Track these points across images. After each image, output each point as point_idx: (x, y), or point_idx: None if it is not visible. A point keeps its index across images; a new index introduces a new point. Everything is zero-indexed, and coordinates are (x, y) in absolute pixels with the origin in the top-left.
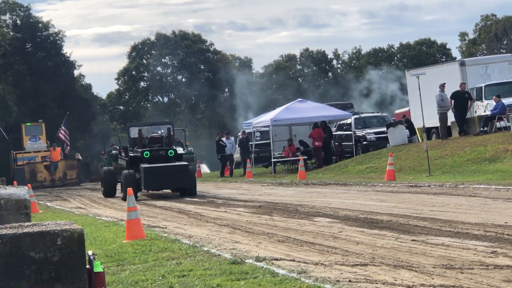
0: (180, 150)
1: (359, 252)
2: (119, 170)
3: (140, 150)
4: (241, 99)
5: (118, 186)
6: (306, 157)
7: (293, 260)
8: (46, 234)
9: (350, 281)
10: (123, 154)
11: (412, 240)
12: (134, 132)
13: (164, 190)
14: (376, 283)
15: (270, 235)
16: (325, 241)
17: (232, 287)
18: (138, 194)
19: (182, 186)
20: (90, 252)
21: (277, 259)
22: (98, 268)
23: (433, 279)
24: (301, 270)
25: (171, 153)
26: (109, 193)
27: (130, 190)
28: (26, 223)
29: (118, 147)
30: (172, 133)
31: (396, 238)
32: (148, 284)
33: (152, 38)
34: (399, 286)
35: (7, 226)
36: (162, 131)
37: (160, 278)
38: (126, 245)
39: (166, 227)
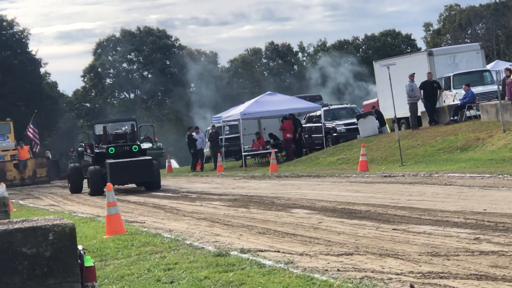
0: (144, 146)
1: (342, 242)
2: (86, 167)
3: (105, 146)
4: (207, 94)
5: (85, 183)
6: (277, 150)
7: (278, 251)
8: (37, 229)
9: (338, 270)
10: (88, 151)
11: (393, 229)
12: (99, 129)
13: (129, 185)
14: (365, 272)
15: (249, 227)
16: (306, 232)
17: (221, 279)
18: (104, 190)
19: (147, 180)
20: (80, 247)
21: (261, 251)
22: (88, 262)
23: (420, 266)
24: (287, 260)
25: (135, 148)
26: (75, 189)
27: (109, 185)
28: (15, 219)
29: (84, 144)
30: (136, 129)
31: (377, 227)
32: (134, 278)
33: (117, 34)
34: (388, 274)
35: None
36: (126, 127)
37: (146, 271)
38: (107, 240)
39: (144, 222)
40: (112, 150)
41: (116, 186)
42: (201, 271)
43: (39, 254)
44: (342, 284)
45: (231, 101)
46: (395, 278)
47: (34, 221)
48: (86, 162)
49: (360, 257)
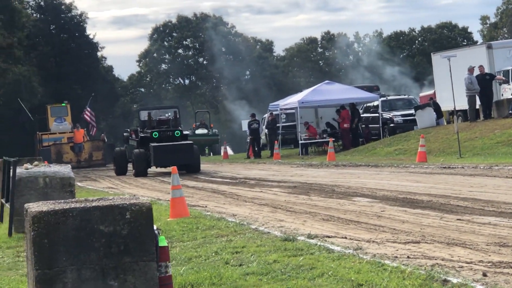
0: (199, 131)
1: (408, 231)
2: (130, 151)
3: (150, 131)
4: (263, 81)
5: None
6: (334, 139)
7: (345, 238)
8: (115, 208)
9: (408, 257)
10: (133, 136)
11: (458, 220)
12: (144, 115)
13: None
14: (435, 259)
15: (312, 214)
16: (370, 220)
17: (290, 263)
18: (147, 171)
19: (187, 163)
20: (155, 227)
21: (328, 237)
22: (163, 242)
23: (490, 256)
24: (356, 246)
25: (177, 133)
26: (120, 171)
27: (174, 168)
28: (91, 198)
29: (129, 130)
30: (178, 116)
31: (440, 217)
32: (202, 260)
33: (174, 20)
34: (458, 262)
35: (74, 201)
36: (169, 114)
37: (213, 254)
38: (172, 223)
39: (206, 206)
40: (156, 135)
41: (158, 168)
42: (270, 255)
43: (116, 232)
44: (414, 271)
45: (286, 90)
46: (466, 266)
47: (111, 199)
48: (130, 146)
49: (427, 245)
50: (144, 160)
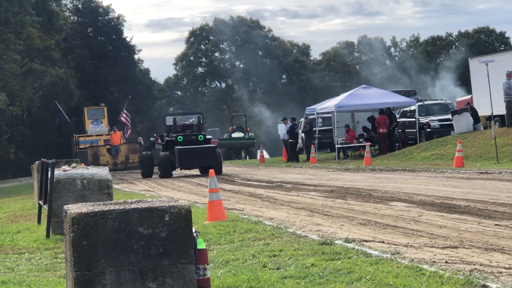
0: (236, 135)
1: (445, 235)
2: (156, 155)
3: (175, 135)
4: (299, 85)
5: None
6: (370, 143)
7: (382, 242)
8: (154, 210)
9: (446, 262)
10: (159, 140)
11: (496, 225)
12: (169, 120)
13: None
14: (473, 264)
15: (350, 218)
16: (407, 225)
17: (328, 267)
18: (172, 173)
19: (210, 165)
20: (193, 229)
21: (366, 241)
22: (201, 245)
23: None
24: (394, 251)
25: (200, 137)
26: (147, 174)
27: (212, 171)
28: (130, 200)
29: (155, 135)
30: (201, 121)
31: (478, 222)
32: (239, 263)
33: (210, 23)
34: (496, 267)
35: (113, 203)
36: (193, 119)
37: (250, 257)
38: (209, 226)
39: (243, 210)
40: (180, 138)
41: (182, 170)
42: (307, 259)
43: (155, 235)
44: (453, 276)
45: (322, 94)
46: (505, 272)
47: (150, 202)
48: (156, 150)
49: (465, 250)
50: (169, 162)
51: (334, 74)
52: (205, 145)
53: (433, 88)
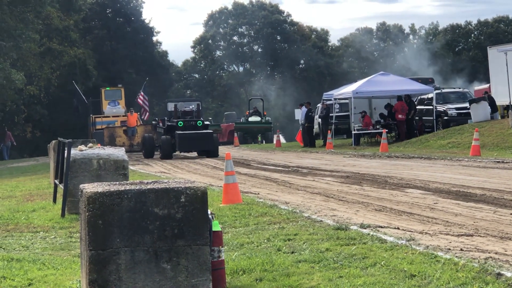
0: (253, 119)
1: (461, 223)
2: (158, 137)
3: (176, 120)
4: (317, 71)
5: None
6: (387, 130)
7: (398, 228)
8: (170, 191)
9: (461, 249)
10: (160, 124)
11: (511, 214)
12: (171, 106)
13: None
14: (488, 253)
15: (365, 204)
16: (423, 212)
17: (343, 252)
18: (172, 155)
19: (207, 148)
20: (209, 211)
21: (381, 227)
22: (216, 227)
23: None
24: (409, 237)
25: (199, 123)
26: (148, 155)
27: (228, 154)
28: (146, 181)
29: (157, 119)
30: (200, 108)
31: (494, 211)
32: (254, 246)
33: (230, 7)
34: (511, 256)
35: (129, 183)
36: (193, 106)
37: (265, 241)
38: (224, 209)
39: (258, 193)
40: (181, 124)
41: (182, 153)
42: (322, 243)
43: (170, 215)
44: (467, 264)
45: (340, 80)
46: None
47: (166, 183)
48: (157, 133)
49: (480, 238)
50: (170, 145)
51: (352, 60)
52: (204, 131)
53: (451, 76)
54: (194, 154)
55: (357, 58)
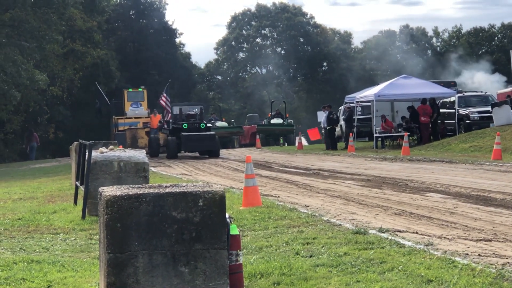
0: (275, 121)
1: (480, 228)
2: (163, 138)
3: (181, 122)
4: (340, 73)
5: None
6: (409, 133)
7: (416, 233)
8: (188, 194)
9: (479, 255)
10: (165, 126)
11: None
12: (176, 109)
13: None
14: (506, 258)
15: (385, 208)
16: (442, 216)
17: (361, 256)
18: (178, 155)
19: (210, 149)
20: (227, 215)
21: (399, 231)
22: (234, 231)
23: None
24: (427, 242)
25: (202, 125)
26: (153, 154)
27: (249, 157)
28: (165, 184)
29: (162, 121)
30: (202, 112)
31: None
32: (272, 250)
33: (253, 9)
34: None
35: (147, 186)
36: (196, 109)
37: (284, 244)
38: (244, 212)
39: (279, 196)
40: (185, 126)
41: (186, 153)
42: (340, 247)
43: (188, 219)
44: (485, 269)
45: (362, 82)
46: None
47: (184, 186)
48: (163, 134)
49: (499, 244)
50: (176, 146)
51: (375, 63)
52: (206, 133)
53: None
54: (196, 154)
55: (380, 61)
